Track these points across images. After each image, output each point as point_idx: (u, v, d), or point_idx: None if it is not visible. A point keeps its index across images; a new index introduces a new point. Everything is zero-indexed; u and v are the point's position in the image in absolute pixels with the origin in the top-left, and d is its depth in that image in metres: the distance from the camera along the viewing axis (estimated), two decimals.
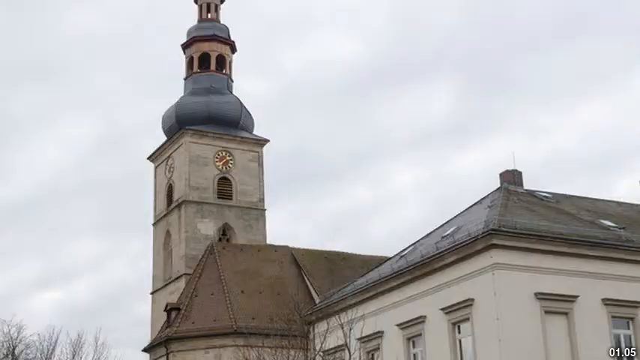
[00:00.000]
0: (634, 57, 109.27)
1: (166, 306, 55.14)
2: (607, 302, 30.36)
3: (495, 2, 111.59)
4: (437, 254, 31.52)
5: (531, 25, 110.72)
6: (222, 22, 70.41)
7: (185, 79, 68.55)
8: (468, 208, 36.06)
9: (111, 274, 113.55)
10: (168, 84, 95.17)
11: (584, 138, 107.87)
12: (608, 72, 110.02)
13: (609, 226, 33.46)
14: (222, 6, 71.27)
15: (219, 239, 61.05)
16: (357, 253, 59.00)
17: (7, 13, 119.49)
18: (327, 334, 33.46)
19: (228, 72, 68.63)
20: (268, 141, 66.30)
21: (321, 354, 33.86)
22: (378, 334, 33.72)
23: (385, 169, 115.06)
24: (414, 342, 32.52)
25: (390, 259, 38.19)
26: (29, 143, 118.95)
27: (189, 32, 69.41)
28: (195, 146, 63.44)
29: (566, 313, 29.71)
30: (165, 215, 64.22)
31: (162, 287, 62.26)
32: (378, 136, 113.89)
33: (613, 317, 30.47)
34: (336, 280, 49.37)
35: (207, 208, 62.11)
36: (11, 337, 43.36)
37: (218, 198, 62.71)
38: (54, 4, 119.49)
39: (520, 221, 30.74)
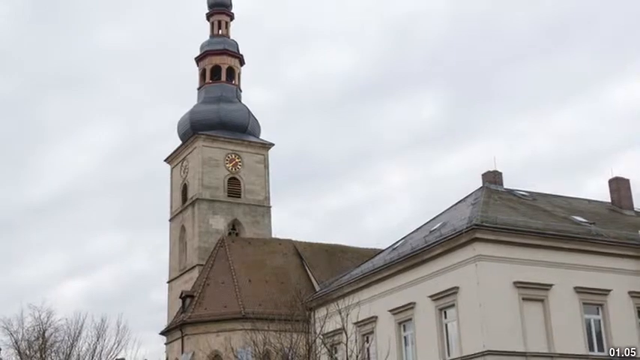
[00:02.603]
0: (604, 69, 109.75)
1: (181, 293, 55.17)
2: (579, 290, 30.35)
3: (480, 20, 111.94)
4: (425, 247, 31.47)
5: (513, 41, 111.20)
6: (232, 37, 70.42)
7: (198, 88, 68.57)
8: (453, 205, 35.98)
9: (131, 265, 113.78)
10: (183, 93, 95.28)
11: (559, 142, 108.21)
12: (580, 83, 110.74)
13: (581, 221, 33.44)
14: (231, 23, 71.32)
15: (229, 233, 61.07)
16: (354, 246, 58.97)
17: (42, 27, 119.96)
18: (327, 319, 33.35)
19: (237, 82, 68.64)
20: (273, 145, 66.35)
21: (321, 337, 33.78)
22: (373, 319, 33.67)
23: (379, 170, 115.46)
24: (404, 326, 32.47)
25: (383, 251, 38.12)
26: (59, 146, 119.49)
27: (202, 47, 69.43)
28: (207, 149, 63.48)
29: (542, 300, 29.67)
30: (180, 212, 64.23)
31: (178, 277, 62.26)
32: (373, 140, 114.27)
33: (584, 304, 30.47)
34: (335, 270, 49.39)
35: (219, 205, 62.15)
36: (42, 322, 43.31)
37: (228, 196, 62.75)
38: (84, 22, 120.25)
39: (500, 217, 30.72)
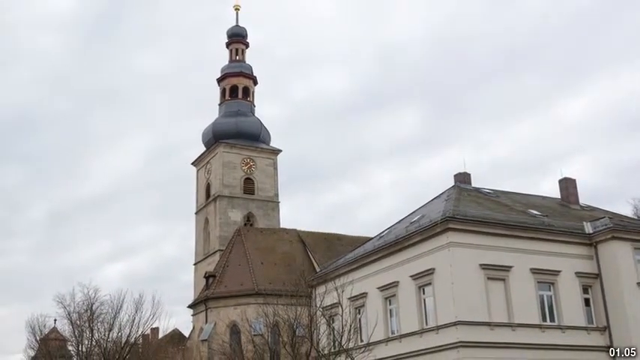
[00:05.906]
0: (555, 88, 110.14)
1: (205, 274, 55.14)
2: (534, 271, 30.33)
3: (453, 47, 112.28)
4: (407, 235, 31.44)
5: (480, 64, 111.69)
6: (247, 62, 70.46)
7: (219, 104, 68.63)
8: (430, 201, 35.92)
9: (164, 250, 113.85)
10: (207, 108, 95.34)
11: (517, 149, 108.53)
12: (535, 99, 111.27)
13: (536, 214, 33.41)
14: (247, 50, 71.41)
15: (245, 224, 61.11)
16: (348, 234, 58.83)
17: (90, 56, 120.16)
18: (325, 295, 33.29)
19: (251, 99, 68.67)
20: (281, 151, 66.37)
21: (321, 310, 33.74)
22: (363, 295, 33.63)
23: (368, 171, 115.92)
24: (390, 300, 32.42)
25: (372, 239, 38.04)
26: (105, 152, 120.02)
27: (222, 70, 69.51)
28: (227, 154, 63.53)
29: (503, 280, 29.64)
30: (204, 206, 64.28)
31: (202, 260, 62.32)
32: (364, 147, 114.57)
33: (538, 282, 30.44)
34: (332, 254, 49.27)
35: (236, 201, 62.22)
36: (90, 297, 43.11)
37: (244, 193, 62.83)
38: (126, 50, 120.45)
39: (469, 211, 30.70)
